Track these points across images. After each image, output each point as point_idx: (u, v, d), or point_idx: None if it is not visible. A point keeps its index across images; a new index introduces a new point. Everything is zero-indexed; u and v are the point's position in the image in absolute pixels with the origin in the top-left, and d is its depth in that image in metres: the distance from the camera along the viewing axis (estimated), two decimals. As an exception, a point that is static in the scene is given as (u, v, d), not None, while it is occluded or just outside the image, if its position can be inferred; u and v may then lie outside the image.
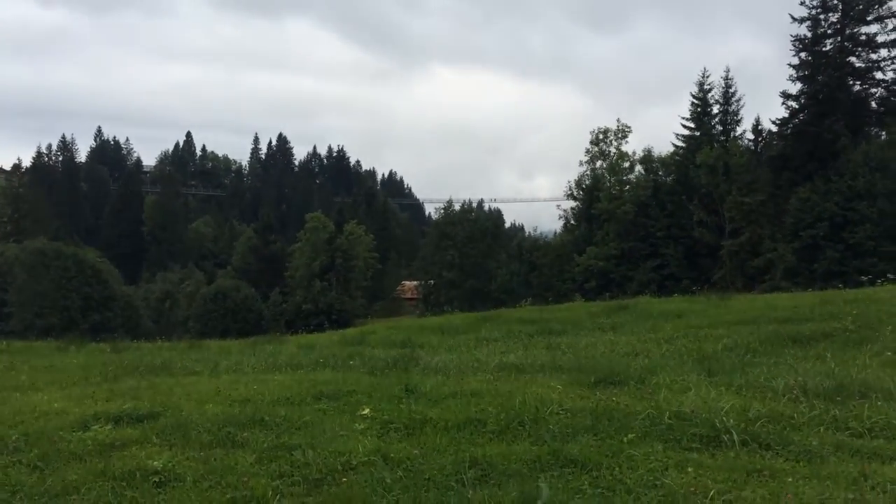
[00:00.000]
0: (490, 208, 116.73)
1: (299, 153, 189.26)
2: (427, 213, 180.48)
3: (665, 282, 55.26)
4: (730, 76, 64.89)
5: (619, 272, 63.20)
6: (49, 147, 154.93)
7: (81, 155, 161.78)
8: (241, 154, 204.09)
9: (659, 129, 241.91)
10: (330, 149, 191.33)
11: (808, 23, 54.45)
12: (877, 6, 53.45)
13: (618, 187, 70.25)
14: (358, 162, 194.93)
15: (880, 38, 53.93)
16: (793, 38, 55.04)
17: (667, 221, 63.02)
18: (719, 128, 65.95)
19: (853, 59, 55.00)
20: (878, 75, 55.00)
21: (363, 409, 7.92)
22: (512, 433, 7.00)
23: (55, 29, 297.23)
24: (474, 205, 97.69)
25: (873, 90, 55.99)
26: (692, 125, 66.28)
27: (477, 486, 5.60)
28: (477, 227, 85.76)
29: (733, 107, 65.11)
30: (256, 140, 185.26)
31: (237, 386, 10.23)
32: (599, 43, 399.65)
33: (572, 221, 75.71)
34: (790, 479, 5.46)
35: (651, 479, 5.56)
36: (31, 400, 9.86)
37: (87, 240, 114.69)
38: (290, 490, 5.79)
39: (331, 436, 7.13)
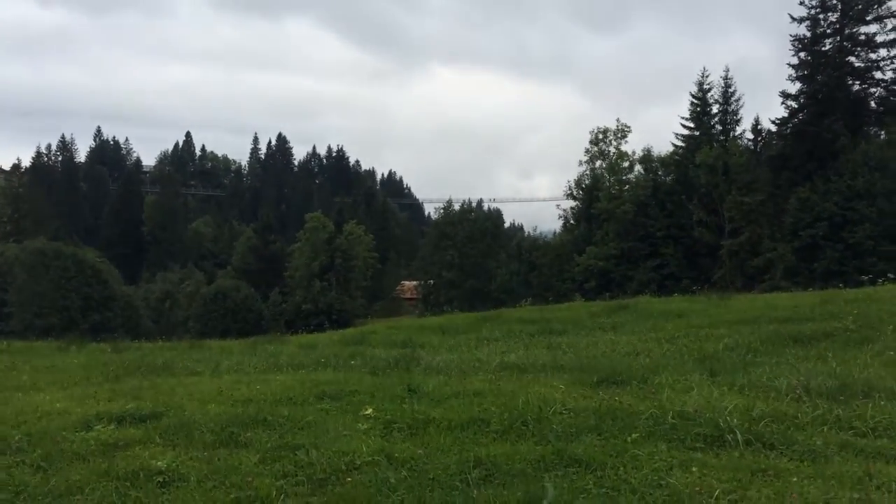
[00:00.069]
0: (489, 208, 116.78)
1: (299, 153, 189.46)
2: (426, 212, 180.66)
3: (665, 281, 55.24)
4: (729, 76, 65.01)
5: (618, 272, 63.21)
6: (48, 147, 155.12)
7: (81, 155, 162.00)
8: (240, 154, 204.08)
9: (658, 129, 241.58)
10: (329, 149, 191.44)
11: (808, 22, 54.49)
12: (876, 6, 53.46)
13: (617, 187, 70.30)
14: (357, 162, 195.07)
15: (879, 38, 53.97)
16: (792, 38, 55.11)
17: (666, 221, 63.03)
18: (719, 127, 65.98)
19: (852, 58, 55.01)
20: (878, 75, 55.07)
21: (366, 409, 7.92)
22: (516, 433, 7.00)
23: (54, 29, 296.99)
24: (474, 205, 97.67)
25: (872, 90, 56.01)
26: (692, 125, 66.30)
27: (482, 485, 5.59)
28: (476, 226, 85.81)
29: (733, 106, 65.17)
30: (256, 140, 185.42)
31: (239, 386, 10.23)
32: (599, 43, 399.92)
33: (572, 221, 75.74)
34: (795, 479, 5.46)
35: (656, 479, 5.56)
36: (33, 400, 9.85)
37: (86, 240, 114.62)
38: (295, 490, 5.78)
39: (334, 436, 7.13)
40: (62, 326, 57.25)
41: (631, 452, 6.15)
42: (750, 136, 64.28)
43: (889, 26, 53.47)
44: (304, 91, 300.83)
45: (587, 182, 73.02)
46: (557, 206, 79.91)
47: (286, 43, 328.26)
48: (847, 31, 54.06)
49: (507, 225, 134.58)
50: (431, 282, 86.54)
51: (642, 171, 70.53)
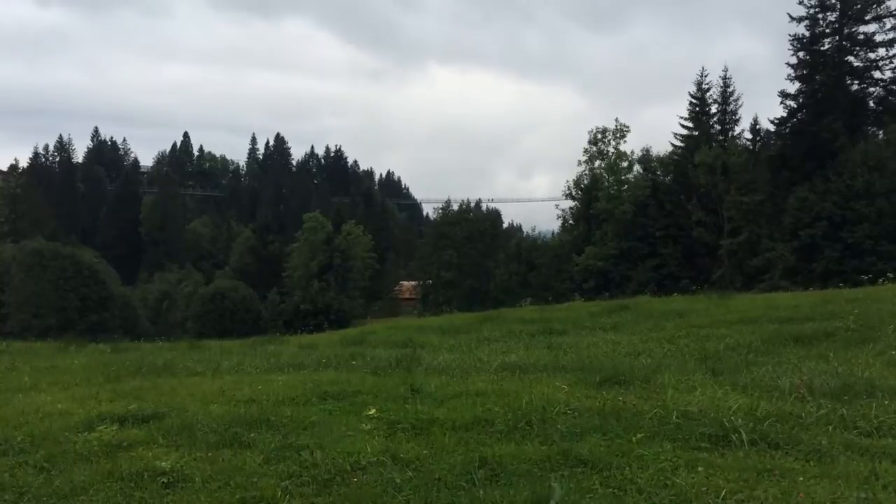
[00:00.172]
0: (487, 208, 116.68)
1: (297, 153, 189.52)
2: (425, 213, 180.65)
3: (664, 281, 55.29)
4: (728, 76, 65.08)
5: (617, 272, 63.30)
6: (46, 147, 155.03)
7: (78, 155, 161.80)
8: (238, 154, 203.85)
9: (657, 129, 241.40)
10: (327, 149, 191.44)
11: (807, 22, 54.66)
12: (875, 5, 53.61)
13: (616, 187, 70.36)
14: (356, 162, 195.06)
15: (878, 38, 54.16)
16: (791, 38, 55.26)
17: (665, 221, 63.12)
18: (718, 127, 66.07)
19: (851, 58, 55.16)
20: (877, 74, 55.30)
21: (369, 410, 7.88)
22: (520, 433, 6.98)
23: (52, 29, 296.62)
24: (472, 205, 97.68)
25: (871, 89, 56.20)
26: (690, 125, 66.37)
27: (487, 486, 5.57)
28: (475, 227, 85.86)
29: (731, 106, 65.26)
30: (254, 140, 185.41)
31: (241, 386, 10.21)
32: (597, 42, 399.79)
33: (571, 221, 75.79)
34: (801, 479, 5.45)
35: (662, 479, 5.54)
36: (34, 401, 9.82)
37: (84, 240, 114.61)
38: (300, 490, 5.75)
39: (338, 436, 7.10)
40: (60, 327, 57.25)
41: (636, 452, 6.13)
42: (749, 135, 64.57)
43: (888, 26, 53.70)
44: (303, 91, 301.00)
45: (586, 182, 73.07)
46: (556, 206, 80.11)
47: (284, 43, 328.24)
48: (846, 31, 54.19)
49: (505, 225, 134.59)
50: (430, 282, 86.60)
51: (641, 171, 70.66)
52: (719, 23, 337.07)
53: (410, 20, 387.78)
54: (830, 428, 6.77)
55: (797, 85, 55.56)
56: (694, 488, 5.29)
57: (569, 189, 75.60)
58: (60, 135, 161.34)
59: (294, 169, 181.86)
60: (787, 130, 56.54)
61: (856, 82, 55.76)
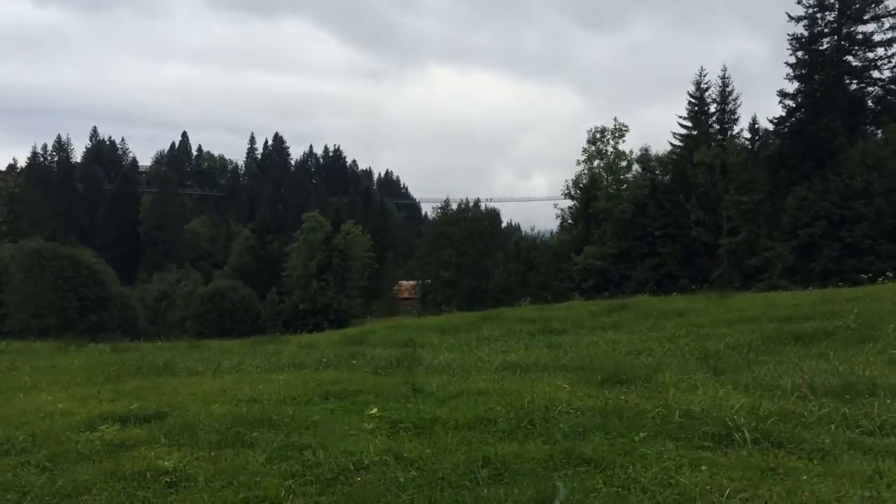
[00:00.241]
0: (486, 208, 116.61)
1: (295, 153, 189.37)
2: (424, 212, 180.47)
3: (663, 280, 55.36)
4: (727, 75, 65.08)
5: (616, 271, 63.33)
6: (44, 147, 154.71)
7: (77, 155, 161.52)
8: (237, 154, 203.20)
9: (656, 129, 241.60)
10: (326, 149, 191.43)
11: (805, 22, 54.72)
12: (873, 5, 53.70)
13: (615, 186, 70.33)
14: (354, 162, 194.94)
15: (877, 37, 54.28)
16: (790, 37, 55.34)
17: (664, 220, 63.14)
18: (716, 127, 66.07)
19: (850, 57, 55.26)
20: (875, 74, 55.37)
21: (371, 409, 7.88)
22: (523, 432, 6.98)
23: (50, 28, 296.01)
24: (471, 204, 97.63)
25: (870, 89, 56.32)
26: (689, 124, 66.37)
27: (491, 485, 5.57)
28: (474, 226, 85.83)
29: (730, 106, 65.27)
30: (252, 140, 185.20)
31: (242, 386, 10.20)
32: (596, 42, 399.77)
33: (569, 221, 75.77)
34: (805, 478, 5.45)
35: (665, 478, 5.54)
36: (35, 400, 9.81)
37: (82, 240, 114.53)
38: (303, 490, 5.75)
39: (340, 435, 7.10)
40: (59, 327, 57.20)
41: (639, 451, 6.13)
42: (748, 135, 64.57)
43: (886, 25, 53.82)
44: (301, 91, 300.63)
45: (585, 181, 73.04)
46: (555, 205, 79.96)
47: (283, 43, 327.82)
48: (844, 31, 54.27)
49: (504, 225, 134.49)
50: (429, 281, 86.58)
51: (640, 170, 70.67)
52: (718, 22, 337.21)
53: (409, 20, 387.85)
54: (833, 427, 6.77)
55: (796, 84, 55.75)
56: (698, 487, 5.29)
57: (568, 188, 75.64)
58: (59, 134, 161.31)
59: (293, 169, 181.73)
60: (786, 130, 56.63)
61: (854, 82, 55.87)
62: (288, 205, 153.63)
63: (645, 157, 70.60)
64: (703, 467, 5.69)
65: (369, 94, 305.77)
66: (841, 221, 48.35)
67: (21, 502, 5.75)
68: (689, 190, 62.07)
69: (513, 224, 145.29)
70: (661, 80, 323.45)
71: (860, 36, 54.58)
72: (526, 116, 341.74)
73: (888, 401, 7.60)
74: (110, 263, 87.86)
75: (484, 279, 79.24)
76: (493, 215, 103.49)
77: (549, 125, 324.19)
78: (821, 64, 54.50)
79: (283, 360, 14.27)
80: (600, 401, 8.00)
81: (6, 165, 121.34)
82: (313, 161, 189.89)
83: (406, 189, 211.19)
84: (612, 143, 73.39)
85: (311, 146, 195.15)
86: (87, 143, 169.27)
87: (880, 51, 54.40)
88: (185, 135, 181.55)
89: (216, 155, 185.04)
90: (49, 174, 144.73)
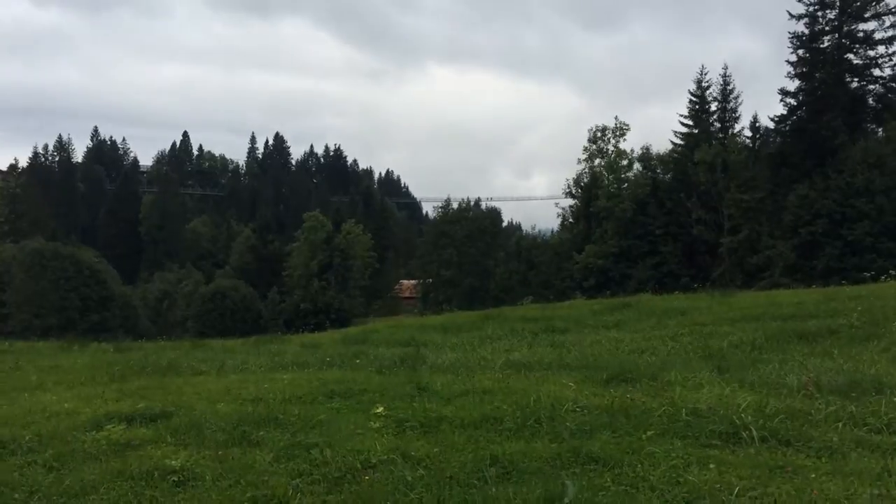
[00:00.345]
0: (487, 207, 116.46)
1: (296, 153, 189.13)
2: (424, 211, 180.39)
3: (664, 279, 55.30)
4: (728, 73, 64.98)
5: (617, 270, 63.29)
6: (45, 147, 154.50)
7: (78, 155, 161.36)
8: (237, 154, 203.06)
9: (657, 127, 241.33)
10: (327, 148, 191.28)
11: (806, 20, 54.57)
12: (874, 3, 53.54)
13: (616, 185, 70.31)
14: (355, 161, 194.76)
15: (878, 35, 54.10)
16: (791, 35, 55.19)
17: (665, 219, 63.11)
18: (717, 125, 65.98)
19: (851, 55, 55.11)
20: (876, 72, 55.20)
21: (377, 408, 7.88)
22: (530, 431, 6.98)
23: (50, 28, 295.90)
24: (472, 203, 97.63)
25: (871, 87, 56.14)
26: (690, 123, 66.28)
27: (500, 483, 5.56)
28: (475, 225, 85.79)
29: (731, 104, 65.16)
30: (253, 139, 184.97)
31: (246, 385, 10.21)
32: (596, 41, 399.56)
33: (570, 220, 75.76)
34: (813, 476, 5.45)
35: (674, 476, 5.53)
36: (40, 400, 9.82)
37: (84, 240, 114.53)
38: (311, 489, 5.74)
39: (347, 434, 7.10)
40: (61, 326, 57.28)
41: (647, 450, 6.12)
42: (749, 133, 64.47)
43: (887, 23, 53.63)
44: (302, 90, 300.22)
45: (586, 180, 73.03)
46: (556, 204, 79.97)
47: (283, 42, 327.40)
48: (845, 29, 54.15)
49: (505, 224, 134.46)
50: (430, 281, 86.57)
51: (641, 169, 70.61)
52: (719, 21, 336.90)
53: (409, 20, 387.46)
54: (840, 425, 6.77)
55: (797, 83, 55.58)
56: (707, 485, 5.28)
57: (569, 187, 75.70)
58: (60, 134, 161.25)
59: (293, 168, 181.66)
60: (787, 128, 56.53)
61: (855, 80, 55.75)
62: (289, 204, 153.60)
63: (646, 156, 70.60)
64: (712, 465, 5.68)
65: (369, 93, 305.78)
66: (842, 219, 48.28)
67: (29, 501, 5.74)
68: (690, 188, 62.03)
69: (513, 223, 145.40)
70: (662, 78, 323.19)
71: (861, 34, 54.48)
72: (526, 116, 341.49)
73: (895, 399, 7.61)
74: (111, 263, 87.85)
75: (485, 278, 79.23)
76: (494, 214, 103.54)
77: (549, 124, 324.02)
78: (822, 62, 54.40)
79: (286, 359, 14.27)
80: (606, 399, 8.01)
81: (7, 165, 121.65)
82: (314, 161, 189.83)
83: (407, 188, 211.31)
84: (612, 141, 73.47)
85: (311, 146, 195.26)
86: (88, 142, 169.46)
87: (881, 48, 54.30)
88: (185, 134, 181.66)
89: (217, 155, 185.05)
90: (50, 174, 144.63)
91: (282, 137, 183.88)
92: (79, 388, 11.01)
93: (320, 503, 5.44)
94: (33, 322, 61.89)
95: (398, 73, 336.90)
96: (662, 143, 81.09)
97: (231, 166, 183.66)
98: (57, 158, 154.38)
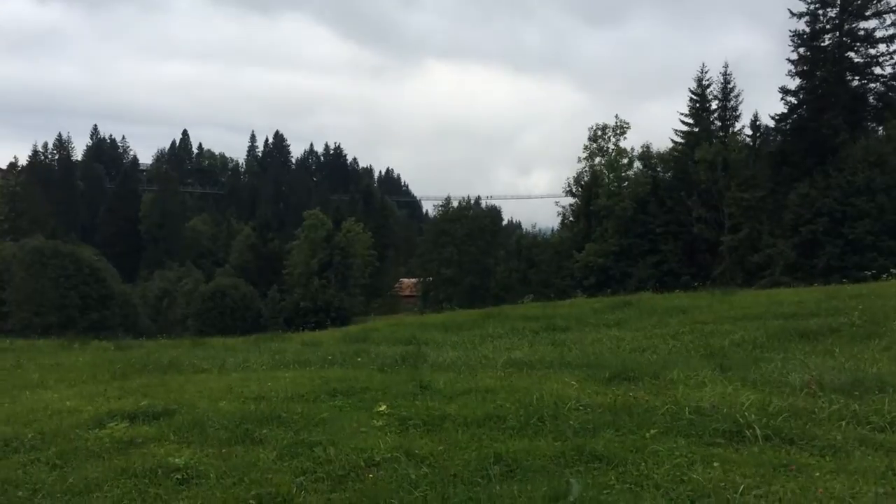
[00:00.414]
0: (487, 205, 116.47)
1: (296, 151, 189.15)
2: (425, 210, 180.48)
3: (664, 278, 55.29)
4: (728, 72, 64.93)
5: (618, 268, 63.33)
6: (45, 145, 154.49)
7: (78, 153, 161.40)
8: (237, 152, 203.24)
9: (657, 125, 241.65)
10: (327, 146, 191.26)
11: (807, 18, 54.51)
12: (875, 1, 53.50)
13: (616, 184, 70.29)
14: (355, 159, 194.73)
15: (879, 34, 54.09)
16: (791, 34, 55.14)
17: (666, 218, 63.12)
18: (718, 123, 65.93)
19: (852, 54, 55.08)
20: (877, 70, 55.17)
21: (380, 406, 7.89)
22: (533, 429, 6.97)
23: (51, 26, 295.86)
24: (472, 202, 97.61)
25: (872, 85, 56.10)
26: (691, 121, 66.26)
27: (504, 481, 5.56)
28: (475, 224, 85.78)
29: (732, 102, 65.12)
30: (253, 138, 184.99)
31: (248, 383, 10.19)
32: (596, 38, 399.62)
33: (571, 218, 75.75)
34: (817, 474, 5.45)
35: (678, 475, 5.53)
36: (42, 398, 9.81)
37: (83, 238, 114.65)
38: (315, 487, 5.74)
39: (350, 432, 7.10)
40: (61, 325, 57.31)
41: (651, 448, 6.12)
42: (749, 132, 64.50)
43: (888, 22, 53.62)
44: (301, 88, 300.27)
45: (586, 179, 73.02)
46: (556, 202, 79.97)
47: (282, 39, 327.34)
48: (846, 27, 54.12)
49: (505, 222, 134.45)
50: (430, 279, 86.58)
51: (641, 167, 70.61)
52: (719, 19, 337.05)
53: (409, 17, 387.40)
54: (844, 423, 6.77)
55: (798, 81, 55.53)
56: (711, 484, 5.28)
57: (569, 186, 75.70)
58: (60, 132, 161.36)
59: (293, 166, 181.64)
60: (788, 126, 56.51)
61: (856, 78, 55.72)
62: (289, 202, 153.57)
63: (646, 154, 70.55)
64: (716, 464, 5.68)
65: (369, 91, 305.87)
66: (843, 218, 48.27)
67: (33, 499, 5.74)
68: (690, 187, 62.02)
69: (514, 221, 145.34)
70: (662, 76, 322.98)
71: (862, 32, 54.46)
72: (526, 113, 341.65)
73: (898, 397, 7.60)
74: (111, 261, 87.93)
75: (485, 277, 79.23)
76: (495, 213, 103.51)
77: (550, 122, 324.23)
78: (823, 60, 54.36)
79: (287, 357, 14.25)
80: (609, 398, 8.00)
81: (7, 164, 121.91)
82: (314, 159, 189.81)
83: (407, 187, 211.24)
84: (613, 140, 73.45)
85: (311, 144, 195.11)
86: (87, 141, 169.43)
87: (882, 47, 54.26)
88: (185, 133, 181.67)
89: (217, 153, 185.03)
90: (50, 172, 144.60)
91: (282, 135, 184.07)
92: (80, 386, 11.00)
93: (324, 501, 5.43)
94: (33, 320, 61.88)
95: (398, 70, 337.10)
96: (663, 141, 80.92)
97: (231, 164, 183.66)
98: (57, 157, 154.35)
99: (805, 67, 54.79)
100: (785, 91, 55.44)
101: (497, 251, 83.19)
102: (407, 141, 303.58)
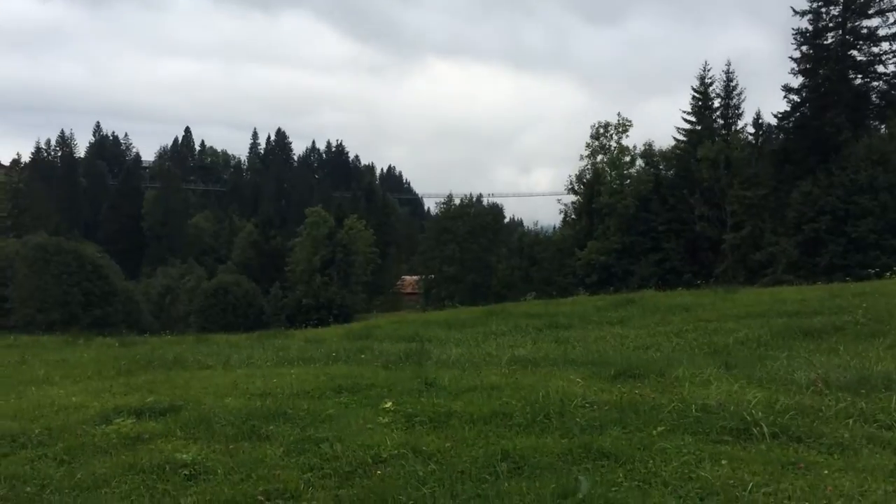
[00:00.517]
0: (488, 203, 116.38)
1: (298, 148, 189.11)
2: (426, 207, 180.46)
3: (666, 276, 55.24)
4: (731, 69, 64.82)
5: (620, 266, 63.28)
6: (48, 142, 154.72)
7: (80, 150, 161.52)
8: (239, 149, 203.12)
9: (659, 123, 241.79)
10: (329, 144, 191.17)
11: (810, 16, 54.36)
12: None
13: (618, 181, 70.17)
14: (357, 157, 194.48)
15: (882, 32, 53.93)
16: (794, 32, 54.99)
17: (668, 215, 63.05)
18: (720, 121, 65.82)
19: (855, 52, 54.92)
20: (880, 69, 54.99)
21: (385, 403, 7.89)
22: (539, 426, 6.97)
23: (53, 23, 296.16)
24: (474, 199, 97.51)
25: (875, 83, 55.91)
26: (693, 119, 66.14)
27: (512, 478, 5.56)
28: (477, 221, 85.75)
29: (734, 100, 64.99)
30: (255, 135, 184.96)
31: (253, 379, 10.20)
32: (597, 36, 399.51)
33: (573, 216, 75.69)
34: (826, 472, 5.44)
35: (686, 472, 5.53)
36: (48, 394, 9.83)
37: (86, 235, 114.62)
38: (322, 483, 5.75)
39: (356, 429, 7.10)
40: (64, 321, 57.39)
41: (658, 445, 6.12)
42: (752, 130, 64.36)
43: (891, 20, 53.43)
44: (303, 85, 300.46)
45: (588, 177, 72.95)
46: (558, 200, 79.90)
47: (283, 37, 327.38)
48: (849, 25, 53.96)
49: (506, 220, 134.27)
50: (432, 276, 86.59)
51: (643, 165, 70.48)
52: (722, 16, 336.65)
53: (410, 14, 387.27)
54: (851, 421, 6.76)
55: (800, 79, 55.37)
56: (719, 481, 5.28)
57: (571, 183, 75.61)
58: (62, 129, 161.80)
59: (295, 164, 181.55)
60: (791, 124, 56.39)
61: (859, 76, 55.56)
62: (291, 200, 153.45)
63: (648, 152, 70.42)
64: (724, 461, 5.67)
65: (371, 88, 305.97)
66: (846, 216, 48.18)
67: (41, 495, 5.75)
68: (692, 185, 61.94)
69: (515, 219, 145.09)
70: (664, 74, 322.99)
71: (865, 30, 54.30)
72: (528, 111, 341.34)
73: (904, 395, 7.59)
74: (114, 258, 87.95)
75: (487, 274, 79.21)
76: (496, 210, 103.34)
77: (551, 120, 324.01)
78: (825, 58, 54.23)
79: (291, 354, 14.26)
80: (615, 395, 8.00)
81: (10, 160, 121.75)
82: (316, 156, 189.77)
83: (408, 184, 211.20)
84: (615, 138, 73.26)
85: (313, 141, 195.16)
86: (90, 138, 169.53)
87: (885, 45, 54.08)
88: (187, 130, 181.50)
89: (219, 150, 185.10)
90: (53, 169, 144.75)
91: (284, 133, 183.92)
92: (86, 382, 11.02)
93: (332, 497, 5.44)
94: (36, 317, 62.00)
95: (400, 67, 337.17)
96: (665, 139, 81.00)
97: (233, 162, 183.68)
98: (59, 154, 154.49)
99: (808, 65, 54.65)
100: (788, 89, 55.34)
101: (499, 249, 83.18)
102: (408, 139, 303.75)
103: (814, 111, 53.52)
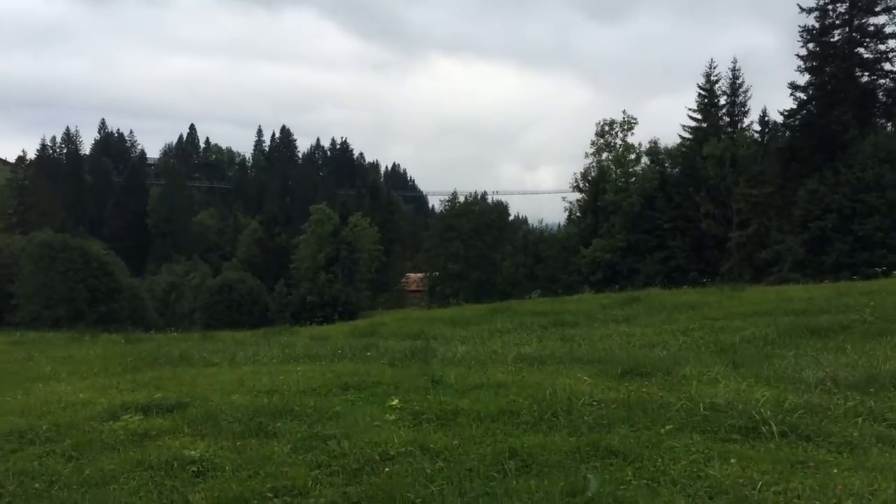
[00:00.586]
0: (493, 200, 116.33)
1: (303, 145, 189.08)
2: (431, 205, 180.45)
3: (672, 274, 55.18)
4: (737, 67, 64.63)
5: (625, 264, 63.23)
6: (53, 139, 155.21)
7: (86, 147, 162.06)
8: (244, 147, 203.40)
9: (665, 121, 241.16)
10: (333, 141, 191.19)
11: (817, 13, 54.30)
12: (885, -3, 53.18)
13: (624, 179, 70.06)
14: (361, 154, 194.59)
15: (888, 29, 53.90)
16: (801, 29, 54.89)
17: (673, 213, 62.94)
18: (726, 119, 65.66)
19: (861, 49, 54.81)
20: (887, 66, 54.90)
21: (392, 400, 7.88)
22: (547, 424, 6.95)
23: (58, 20, 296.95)
24: (479, 197, 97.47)
25: (881, 81, 55.82)
26: (699, 116, 66.00)
27: (520, 476, 5.55)
28: (482, 219, 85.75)
29: (740, 98, 64.90)
30: (260, 132, 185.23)
31: (260, 377, 10.22)
32: (602, 33, 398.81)
33: (578, 214, 75.62)
34: (836, 471, 5.41)
35: (695, 471, 5.50)
36: (55, 390, 9.86)
37: (91, 232, 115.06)
38: (330, 480, 5.74)
39: (364, 426, 7.10)
40: (69, 318, 57.40)
41: (666, 444, 6.09)
42: (758, 127, 64.26)
43: (898, 17, 53.17)
44: (307, 83, 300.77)
45: (593, 174, 72.83)
46: (563, 198, 79.75)
47: (287, 34, 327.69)
48: (856, 22, 53.83)
49: (511, 217, 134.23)
50: (437, 274, 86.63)
51: (649, 163, 70.38)
52: (728, 13, 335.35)
53: (414, 11, 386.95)
54: (860, 420, 6.72)
55: (807, 76, 55.35)
56: (728, 480, 5.25)
57: (576, 181, 75.48)
58: (67, 126, 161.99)
59: (300, 161, 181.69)
60: (797, 122, 56.30)
61: (866, 74, 55.45)
62: (295, 197, 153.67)
63: (654, 150, 70.30)
64: (733, 460, 5.65)
65: (375, 86, 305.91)
66: (852, 214, 48.06)
67: (49, 491, 5.75)
68: (698, 183, 61.83)
69: (520, 217, 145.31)
70: (670, 71, 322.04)
71: (872, 28, 54.18)
72: (532, 109, 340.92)
73: (914, 394, 7.56)
74: (119, 255, 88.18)
75: (492, 272, 79.21)
76: (501, 208, 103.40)
77: (556, 117, 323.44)
78: (832, 56, 54.11)
79: (297, 351, 14.30)
80: (622, 393, 7.98)
81: (15, 157, 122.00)
82: (320, 154, 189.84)
83: (413, 182, 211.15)
84: (620, 135, 73.09)
85: (318, 139, 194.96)
86: (95, 135, 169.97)
87: (892, 43, 54.05)
88: (192, 127, 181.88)
89: (224, 147, 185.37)
90: (58, 166, 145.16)
91: (288, 130, 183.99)
92: (93, 379, 11.06)
93: (340, 495, 5.42)
94: (42, 313, 62.11)
95: (404, 65, 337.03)
96: (670, 136, 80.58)
97: (238, 159, 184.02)
98: (65, 151, 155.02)
99: (814, 63, 54.54)
100: (794, 87, 55.28)
101: (504, 246, 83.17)
102: (413, 136, 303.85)
103: (820, 109, 53.40)
